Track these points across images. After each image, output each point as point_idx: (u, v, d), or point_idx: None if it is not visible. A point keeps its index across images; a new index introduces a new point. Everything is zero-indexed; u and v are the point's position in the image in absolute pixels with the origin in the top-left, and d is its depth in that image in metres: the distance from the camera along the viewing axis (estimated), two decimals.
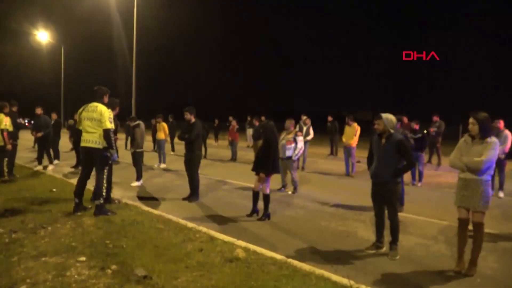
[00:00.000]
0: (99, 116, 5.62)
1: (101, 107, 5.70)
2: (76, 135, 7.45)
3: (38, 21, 38.07)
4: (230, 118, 15.41)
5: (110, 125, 5.64)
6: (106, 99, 6.00)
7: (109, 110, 5.80)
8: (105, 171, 5.80)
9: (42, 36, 36.84)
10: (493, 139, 4.01)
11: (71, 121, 14.44)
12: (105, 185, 5.81)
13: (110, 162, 5.95)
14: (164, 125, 12.66)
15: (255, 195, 6.17)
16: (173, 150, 16.48)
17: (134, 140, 9.11)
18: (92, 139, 5.66)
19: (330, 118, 16.01)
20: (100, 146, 5.68)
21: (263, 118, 13.51)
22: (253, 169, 6.23)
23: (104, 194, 5.74)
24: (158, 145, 12.59)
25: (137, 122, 9.34)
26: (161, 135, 12.44)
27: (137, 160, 9.05)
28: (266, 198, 6.05)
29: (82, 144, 5.76)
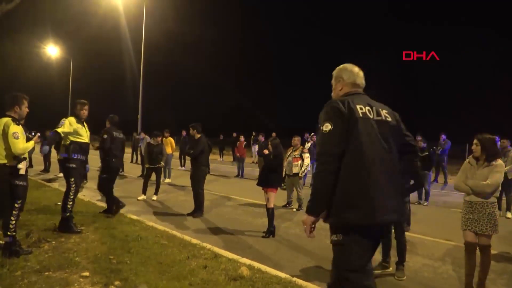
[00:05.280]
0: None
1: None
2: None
3: (48, 36, 38.61)
4: (234, 134, 15.45)
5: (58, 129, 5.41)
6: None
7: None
8: (72, 184, 5.55)
9: (52, 50, 37.44)
10: (499, 161, 3.97)
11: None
12: (72, 197, 5.55)
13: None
14: (171, 140, 12.73)
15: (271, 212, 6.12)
16: (183, 165, 16.51)
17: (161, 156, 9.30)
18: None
19: None
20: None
21: (274, 134, 13.59)
22: (258, 184, 6.24)
23: (69, 207, 5.50)
24: (165, 160, 12.59)
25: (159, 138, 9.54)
26: (168, 150, 12.48)
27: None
28: (272, 213, 6.03)
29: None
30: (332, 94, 2.74)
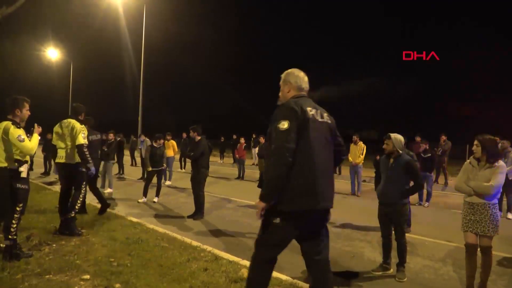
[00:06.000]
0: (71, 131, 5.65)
1: (73, 123, 5.72)
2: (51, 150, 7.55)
3: (48, 39, 38.62)
4: (234, 136, 15.43)
5: (83, 141, 5.61)
6: (83, 116, 6.13)
7: (83, 126, 5.84)
8: (83, 186, 5.81)
9: (52, 53, 37.48)
10: (500, 163, 3.96)
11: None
12: (81, 199, 5.82)
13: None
14: (173, 142, 12.73)
15: None
16: (183, 167, 16.51)
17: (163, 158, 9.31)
18: (64, 154, 5.70)
19: None
20: (73, 162, 5.69)
21: None
22: (259, 186, 6.23)
23: (76, 208, 5.67)
24: (166, 162, 12.56)
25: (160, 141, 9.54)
26: (169, 152, 12.48)
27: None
28: None
29: (57, 160, 5.80)
30: (280, 94, 3.06)
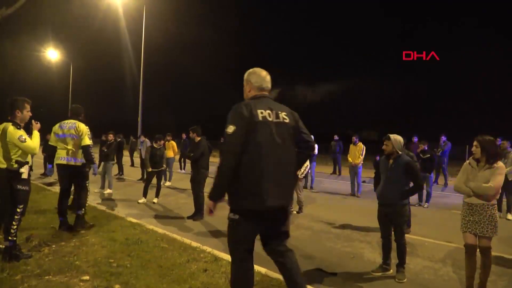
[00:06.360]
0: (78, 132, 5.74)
1: (78, 124, 5.81)
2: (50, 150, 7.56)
3: (48, 39, 38.63)
4: None
5: (89, 142, 5.76)
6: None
7: (87, 127, 5.90)
8: (87, 184, 6.08)
9: (52, 54, 37.48)
10: (500, 163, 3.96)
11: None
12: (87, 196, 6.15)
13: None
14: (173, 143, 12.72)
15: None
16: (183, 168, 16.49)
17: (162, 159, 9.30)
18: (65, 155, 5.74)
19: (336, 137, 15.99)
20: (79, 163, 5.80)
21: None
22: None
23: (85, 205, 6.04)
24: (166, 163, 12.54)
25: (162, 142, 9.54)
26: (169, 153, 12.47)
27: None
28: None
29: (58, 161, 5.82)
30: (244, 94, 3.14)
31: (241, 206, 2.82)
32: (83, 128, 5.74)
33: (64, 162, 5.72)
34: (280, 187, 2.85)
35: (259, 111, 2.82)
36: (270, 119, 2.85)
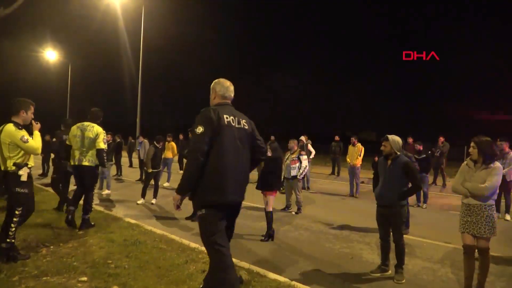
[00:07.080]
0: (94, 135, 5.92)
1: (97, 128, 6.00)
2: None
3: (46, 40, 38.54)
4: None
5: (103, 146, 5.98)
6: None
7: (104, 131, 6.11)
8: (94, 187, 6.26)
9: (50, 54, 37.37)
10: (497, 164, 3.97)
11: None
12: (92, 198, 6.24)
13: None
14: (173, 144, 12.70)
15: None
16: (182, 168, 16.47)
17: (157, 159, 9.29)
18: (80, 156, 5.91)
19: (337, 138, 15.93)
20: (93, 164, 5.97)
21: (272, 138, 13.60)
22: (257, 188, 6.24)
23: (92, 206, 6.15)
24: (165, 164, 12.51)
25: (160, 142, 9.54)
26: (168, 154, 12.45)
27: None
28: (270, 216, 6.02)
29: (73, 162, 5.98)
30: (210, 101, 3.43)
31: (207, 200, 3.07)
32: (100, 132, 5.95)
33: (77, 163, 5.90)
34: (238, 185, 3.19)
35: (224, 116, 3.14)
36: (233, 124, 3.19)
